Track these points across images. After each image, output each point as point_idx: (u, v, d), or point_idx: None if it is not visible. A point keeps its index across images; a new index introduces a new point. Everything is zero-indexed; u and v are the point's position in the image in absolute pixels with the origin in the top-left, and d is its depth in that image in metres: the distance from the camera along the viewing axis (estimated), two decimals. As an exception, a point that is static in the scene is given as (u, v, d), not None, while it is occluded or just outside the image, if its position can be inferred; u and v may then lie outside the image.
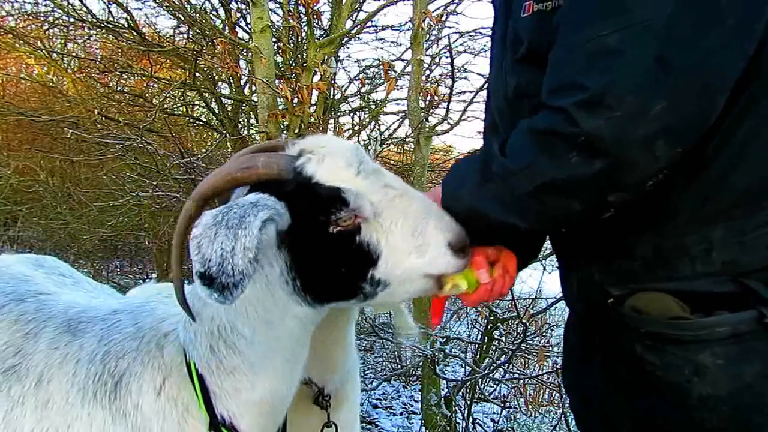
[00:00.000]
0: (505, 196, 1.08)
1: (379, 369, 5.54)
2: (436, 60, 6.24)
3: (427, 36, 5.12)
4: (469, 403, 4.22)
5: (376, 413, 4.89)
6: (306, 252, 1.20)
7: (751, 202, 1.03)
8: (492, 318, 4.28)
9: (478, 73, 7.76)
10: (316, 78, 4.93)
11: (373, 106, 6.74)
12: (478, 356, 4.43)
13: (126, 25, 5.86)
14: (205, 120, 7.37)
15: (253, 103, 6.18)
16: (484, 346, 4.45)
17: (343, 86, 6.72)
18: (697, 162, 1.03)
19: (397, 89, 5.88)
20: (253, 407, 1.28)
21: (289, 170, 1.18)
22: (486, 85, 1.58)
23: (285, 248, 1.20)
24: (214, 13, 6.60)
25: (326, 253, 1.19)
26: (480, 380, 4.31)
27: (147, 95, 6.96)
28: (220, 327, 1.25)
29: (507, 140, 1.11)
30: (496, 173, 1.09)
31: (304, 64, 5.11)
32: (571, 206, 1.03)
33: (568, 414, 3.85)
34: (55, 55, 7.19)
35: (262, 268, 1.20)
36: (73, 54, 7.42)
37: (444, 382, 4.29)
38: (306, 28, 4.94)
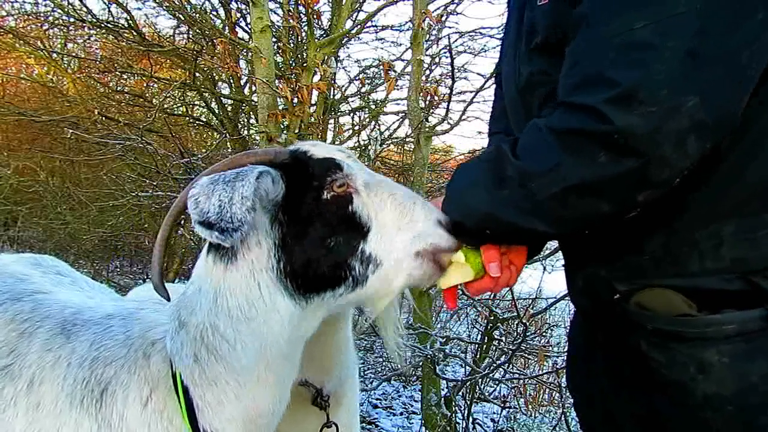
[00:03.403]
0: (523, 201, 1.05)
1: (379, 369, 5.53)
2: (436, 60, 6.23)
3: (427, 36, 5.11)
4: (469, 403, 4.21)
5: (376, 413, 4.89)
6: (297, 223, 1.19)
7: (762, 200, 1.01)
8: (492, 318, 4.27)
9: (478, 73, 7.78)
10: (316, 78, 4.92)
11: (373, 106, 6.73)
12: (478, 356, 4.42)
13: (126, 25, 5.86)
14: (205, 120, 7.36)
15: (253, 103, 6.17)
16: (484, 346, 4.44)
17: (343, 86, 6.71)
18: (711, 157, 1.01)
19: (397, 89, 5.86)
20: (236, 421, 1.25)
21: (285, 154, 1.25)
22: (493, 80, 1.57)
23: (277, 224, 1.20)
24: (214, 13, 6.60)
25: (318, 221, 1.19)
26: (480, 380, 4.30)
27: (147, 95, 6.96)
28: (203, 331, 1.22)
29: (517, 141, 1.08)
30: (511, 177, 1.06)
31: (304, 64, 5.11)
32: (599, 208, 1.01)
33: (568, 414, 3.84)
34: (55, 55, 7.19)
35: (249, 251, 1.19)
36: (73, 54, 7.42)
37: (444, 382, 4.28)
38: (306, 28, 4.93)
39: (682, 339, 1.06)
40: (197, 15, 5.68)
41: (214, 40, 5.63)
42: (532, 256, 1.45)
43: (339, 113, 6.55)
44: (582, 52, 1.00)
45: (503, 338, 4.49)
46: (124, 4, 5.90)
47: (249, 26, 5.22)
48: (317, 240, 1.19)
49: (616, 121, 0.91)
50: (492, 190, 1.10)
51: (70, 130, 5.43)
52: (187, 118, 7.38)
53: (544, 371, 4.66)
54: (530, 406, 5.01)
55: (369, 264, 1.20)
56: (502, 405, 4.85)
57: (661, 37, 0.90)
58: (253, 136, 6.23)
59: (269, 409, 1.28)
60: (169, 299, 1.25)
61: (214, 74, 6.69)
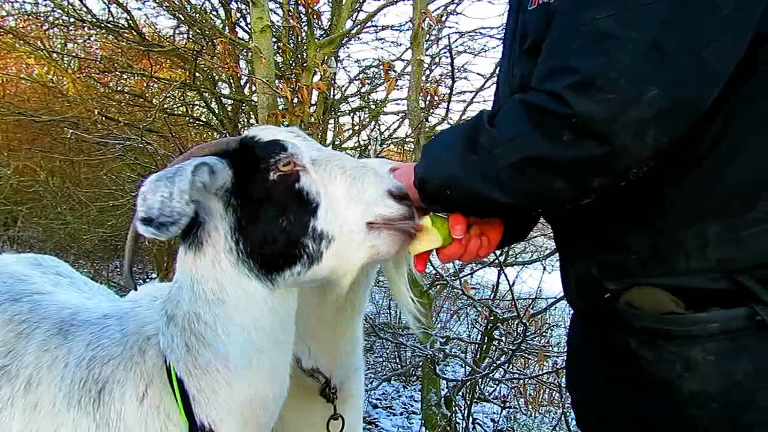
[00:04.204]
0: (488, 168, 1.06)
1: (379, 369, 5.53)
2: (436, 60, 6.23)
3: (427, 36, 5.11)
4: (469, 403, 4.21)
5: (376, 413, 4.89)
6: (249, 206, 1.23)
7: (745, 200, 1.02)
8: (492, 318, 4.27)
9: (478, 73, 7.78)
10: (316, 78, 4.92)
11: (373, 106, 6.73)
12: (478, 356, 4.43)
13: (126, 25, 5.85)
14: (205, 120, 7.35)
15: (253, 103, 6.17)
16: (484, 346, 4.44)
17: (343, 86, 6.71)
18: (692, 157, 1.03)
19: (397, 89, 5.85)
20: (234, 411, 1.25)
21: (235, 142, 1.29)
22: (495, 80, 1.59)
23: (231, 208, 1.24)
24: (214, 13, 6.59)
25: (267, 202, 1.22)
26: (480, 380, 4.30)
27: (147, 95, 6.94)
28: (189, 320, 1.25)
29: (498, 112, 1.10)
30: (482, 144, 1.07)
31: (304, 64, 5.11)
32: (553, 185, 1.02)
33: (568, 414, 3.84)
34: (55, 55, 7.18)
35: (209, 237, 1.23)
36: (73, 54, 7.40)
37: (444, 382, 4.28)
38: (306, 28, 4.93)
39: (669, 337, 1.07)
40: (197, 15, 5.67)
41: (214, 40, 5.62)
42: (514, 239, 1.48)
43: (339, 113, 6.54)
44: (552, 43, 1.02)
45: (503, 338, 4.49)
46: (124, 4, 5.89)
47: (249, 26, 5.22)
48: (269, 220, 1.22)
49: (576, 107, 0.93)
50: (464, 154, 1.11)
51: (70, 130, 5.41)
52: (187, 118, 7.37)
53: (544, 371, 4.66)
54: (530, 406, 5.01)
55: (321, 240, 1.21)
56: (502, 405, 4.85)
57: (624, 27, 0.92)
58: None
59: (267, 396, 1.28)
60: (136, 288, 1.32)
61: (214, 74, 6.68)
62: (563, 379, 3.87)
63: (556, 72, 0.97)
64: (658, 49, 0.90)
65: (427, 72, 6.09)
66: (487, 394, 4.94)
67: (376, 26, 6.57)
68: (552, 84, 0.97)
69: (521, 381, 4.75)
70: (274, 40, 4.79)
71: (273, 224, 1.21)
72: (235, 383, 1.24)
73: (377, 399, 5.22)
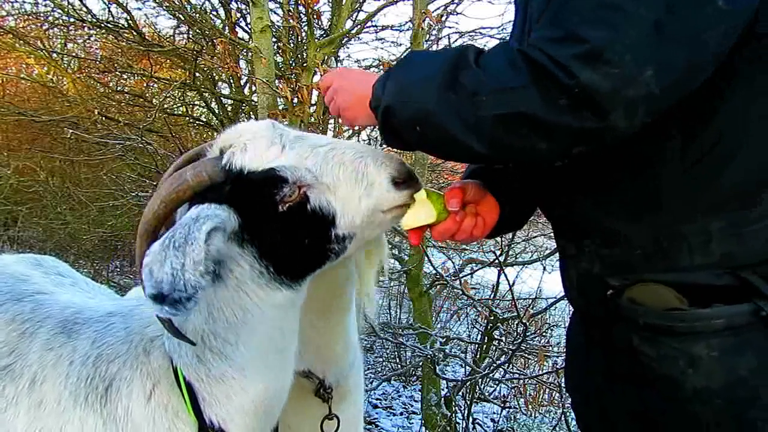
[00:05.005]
0: (467, 112, 1.00)
1: (379, 369, 5.54)
2: (436, 60, 6.22)
3: (427, 36, 5.11)
4: (469, 403, 4.21)
5: (376, 413, 4.89)
6: (265, 237, 1.21)
7: (747, 195, 1.03)
8: (492, 318, 4.27)
9: (478, 73, 7.74)
10: (316, 78, 4.91)
11: (373, 106, 6.71)
12: (478, 356, 4.43)
13: (126, 25, 5.85)
14: (205, 120, 7.35)
15: (253, 103, 6.17)
16: (484, 346, 4.44)
17: (343, 86, 6.69)
18: (695, 150, 1.03)
19: (397, 89, 5.84)
20: (246, 410, 1.27)
21: (218, 172, 1.18)
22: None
23: (247, 244, 1.21)
24: (214, 13, 6.58)
25: (284, 231, 1.21)
26: (480, 380, 4.30)
27: (147, 95, 6.94)
28: (204, 336, 1.24)
29: (484, 51, 1.05)
30: (464, 84, 1.01)
31: (304, 64, 5.10)
32: (536, 144, 0.99)
33: (568, 414, 3.85)
34: (55, 55, 7.17)
35: (231, 272, 1.20)
36: (73, 54, 7.40)
37: (444, 382, 4.28)
38: (306, 28, 4.93)
39: (673, 333, 1.07)
40: (197, 15, 5.67)
41: (214, 40, 5.62)
42: (510, 227, 1.47)
43: (339, 113, 6.53)
44: (557, 8, 1.00)
45: (503, 338, 4.49)
46: (124, 4, 5.89)
47: (249, 26, 5.21)
48: (292, 243, 1.22)
49: (580, 77, 0.90)
50: (441, 89, 1.03)
51: (70, 130, 5.42)
52: (187, 118, 7.37)
53: (544, 371, 4.67)
54: (530, 406, 5.01)
55: (345, 240, 1.24)
56: (502, 405, 4.85)
57: (632, 2, 0.91)
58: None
59: (278, 390, 1.31)
60: (194, 344, 1.24)
61: (214, 74, 6.68)
62: (563, 379, 3.87)
63: (562, 39, 0.94)
64: (660, 29, 0.90)
65: (427, 72, 6.08)
66: (487, 394, 4.95)
67: (376, 26, 6.56)
68: (556, 50, 0.93)
69: (521, 381, 4.76)
70: (274, 40, 4.79)
71: (297, 245, 1.22)
72: (250, 388, 1.26)
73: (377, 399, 5.22)
